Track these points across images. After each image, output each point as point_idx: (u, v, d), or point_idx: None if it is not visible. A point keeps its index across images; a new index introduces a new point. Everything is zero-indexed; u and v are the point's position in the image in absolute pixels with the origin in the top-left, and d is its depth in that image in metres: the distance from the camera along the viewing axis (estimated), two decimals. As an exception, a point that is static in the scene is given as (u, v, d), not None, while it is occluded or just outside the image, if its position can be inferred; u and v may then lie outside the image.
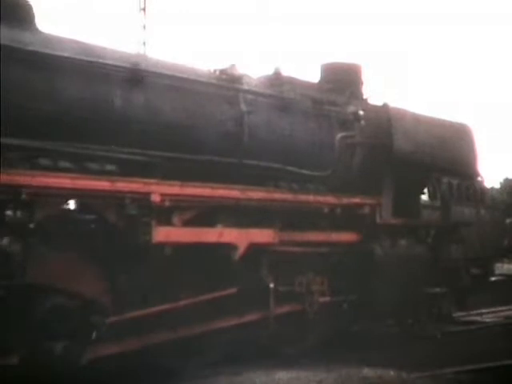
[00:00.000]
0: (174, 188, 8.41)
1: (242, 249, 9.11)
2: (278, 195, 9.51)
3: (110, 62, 8.42)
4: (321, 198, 10.11)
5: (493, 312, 15.48)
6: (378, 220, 11.02)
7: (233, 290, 8.85)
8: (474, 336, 12.59)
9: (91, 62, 8.25)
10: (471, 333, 12.94)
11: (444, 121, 12.63)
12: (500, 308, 15.82)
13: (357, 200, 10.67)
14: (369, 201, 10.87)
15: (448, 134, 12.46)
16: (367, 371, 9.07)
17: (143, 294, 8.31)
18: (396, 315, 11.67)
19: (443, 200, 18.55)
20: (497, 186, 29.12)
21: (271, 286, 9.69)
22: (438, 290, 12.38)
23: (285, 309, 9.84)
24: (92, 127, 8.11)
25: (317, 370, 8.97)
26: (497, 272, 23.22)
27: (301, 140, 10.43)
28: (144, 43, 21.97)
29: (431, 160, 11.97)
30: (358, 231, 10.83)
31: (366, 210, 10.86)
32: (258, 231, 9.35)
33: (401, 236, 11.45)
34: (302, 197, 9.83)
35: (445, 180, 18.43)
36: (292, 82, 10.67)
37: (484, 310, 15.46)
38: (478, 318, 14.71)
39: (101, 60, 8.34)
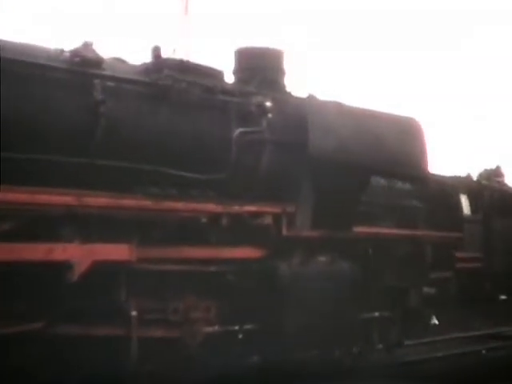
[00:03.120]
0: (-29, 193, 6.68)
1: (81, 268, 7.33)
2: (128, 202, 7.69)
3: None
4: (197, 206, 8.25)
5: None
6: (284, 232, 9.13)
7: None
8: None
9: None
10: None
11: (384, 114, 10.68)
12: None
13: (252, 208, 8.78)
14: (270, 209, 8.98)
15: (388, 130, 10.51)
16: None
17: None
18: (314, 345, 9.67)
19: (485, 213, 16.96)
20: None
21: (133, 314, 7.88)
22: (376, 314, 10.43)
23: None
24: None
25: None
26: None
27: (184, 136, 8.63)
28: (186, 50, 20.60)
29: (362, 160, 10.03)
30: (261, 246, 8.95)
31: (268, 220, 8.97)
32: (106, 246, 7.55)
33: (321, 252, 9.51)
34: (167, 204, 7.98)
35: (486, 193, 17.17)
36: (175, 67, 8.87)
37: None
38: None
39: None
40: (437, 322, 14.94)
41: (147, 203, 7.83)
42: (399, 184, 11.92)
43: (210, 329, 8.35)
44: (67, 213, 7.28)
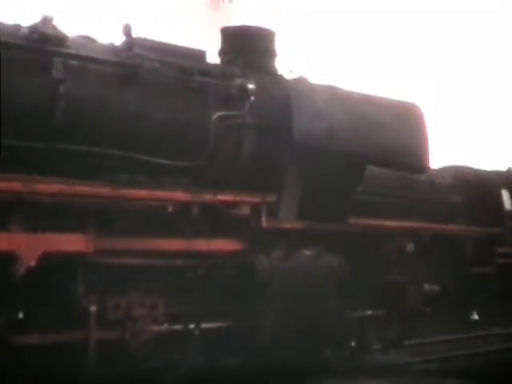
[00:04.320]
0: None
1: (29, 260, 6.77)
2: (83, 189, 7.10)
3: None
4: (162, 194, 7.65)
5: None
6: (264, 224, 8.50)
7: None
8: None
9: None
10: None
11: (381, 99, 9.97)
12: None
13: (226, 197, 8.16)
14: (247, 198, 8.36)
15: (384, 115, 9.80)
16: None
17: None
18: (298, 345, 9.01)
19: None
20: None
21: (92, 309, 7.32)
22: (369, 312, 9.76)
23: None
24: None
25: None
26: None
27: (155, 119, 8.05)
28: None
29: (355, 147, 9.35)
30: (237, 238, 8.34)
31: (245, 210, 8.36)
32: (58, 236, 6.99)
33: (306, 245, 8.86)
34: (128, 192, 7.39)
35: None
36: (148, 46, 8.28)
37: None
38: None
39: None
40: (477, 317, 14.46)
41: (105, 190, 7.24)
42: (439, 178, 11.55)
43: (157, 327, 7.68)
44: (14, 200, 6.73)
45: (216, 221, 8.16)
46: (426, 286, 10.40)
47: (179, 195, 7.73)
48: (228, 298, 8.23)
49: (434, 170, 12.66)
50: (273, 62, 9.76)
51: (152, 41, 8.50)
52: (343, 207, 9.46)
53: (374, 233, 9.74)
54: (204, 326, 8.07)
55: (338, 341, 9.47)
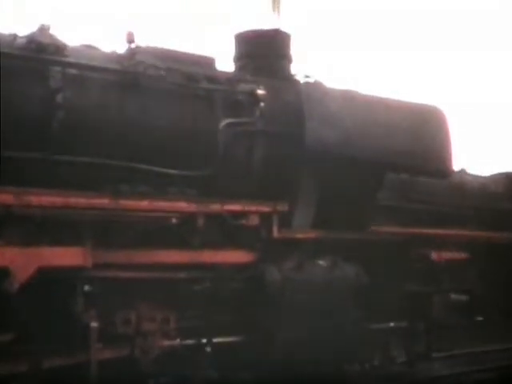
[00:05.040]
0: None
1: (23, 275, 6.57)
2: (77, 201, 6.87)
3: None
4: (164, 205, 7.39)
5: None
6: (275, 234, 8.19)
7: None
8: None
9: None
10: None
11: (400, 103, 9.60)
12: None
13: (234, 207, 7.87)
14: (256, 208, 8.06)
15: (404, 120, 9.43)
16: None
17: None
18: (315, 360, 8.64)
19: None
20: None
21: (93, 325, 7.09)
22: (392, 325, 9.37)
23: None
24: None
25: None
26: None
27: (160, 128, 7.80)
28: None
29: (373, 153, 9.00)
30: (246, 250, 8.05)
31: (255, 220, 8.06)
32: (54, 250, 6.77)
33: (321, 255, 8.53)
34: (128, 203, 7.14)
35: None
36: (154, 53, 8.06)
37: None
38: None
39: None
40: None
41: (103, 202, 7.00)
42: (490, 185, 11.21)
43: (168, 342, 7.43)
44: (5, 213, 6.53)
45: (224, 232, 7.87)
46: (453, 296, 9.97)
47: (183, 206, 7.46)
48: (238, 311, 7.93)
49: (485, 176, 12.26)
50: (287, 66, 9.45)
51: (158, 48, 8.28)
52: (364, 215, 9.10)
53: (395, 241, 9.33)
54: (216, 340, 7.78)
55: (358, 354, 9.07)
